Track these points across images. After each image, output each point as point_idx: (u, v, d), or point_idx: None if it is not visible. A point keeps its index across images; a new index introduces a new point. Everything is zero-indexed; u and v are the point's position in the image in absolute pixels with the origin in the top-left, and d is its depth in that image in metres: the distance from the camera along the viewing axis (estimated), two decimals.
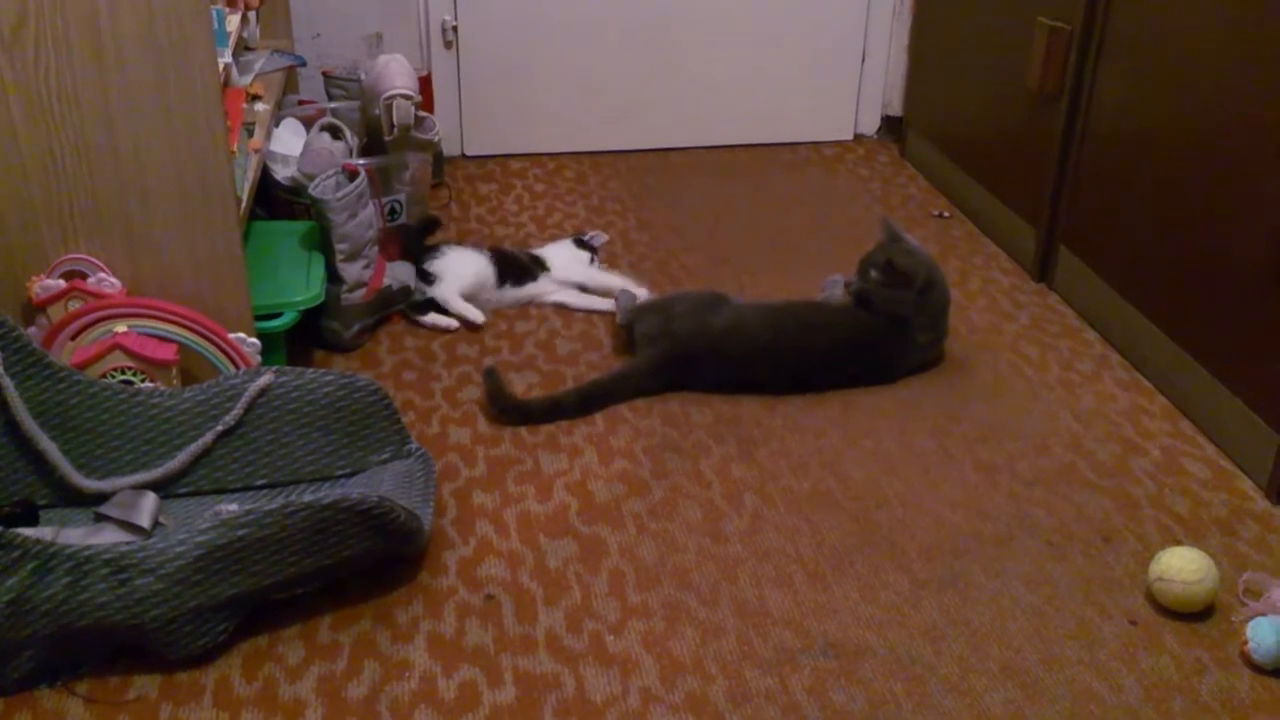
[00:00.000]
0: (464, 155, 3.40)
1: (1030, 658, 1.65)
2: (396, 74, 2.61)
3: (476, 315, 2.43)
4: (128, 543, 1.58)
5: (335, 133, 2.57)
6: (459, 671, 1.61)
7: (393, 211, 2.57)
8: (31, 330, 1.92)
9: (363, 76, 2.82)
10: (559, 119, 3.39)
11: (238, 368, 1.96)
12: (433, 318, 2.45)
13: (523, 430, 2.13)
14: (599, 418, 2.17)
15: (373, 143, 2.66)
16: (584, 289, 2.58)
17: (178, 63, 1.83)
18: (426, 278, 2.47)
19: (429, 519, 1.78)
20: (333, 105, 2.89)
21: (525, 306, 2.56)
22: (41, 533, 1.67)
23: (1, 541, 1.46)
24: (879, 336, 2.27)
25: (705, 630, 1.69)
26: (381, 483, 1.84)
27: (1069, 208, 2.60)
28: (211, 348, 1.96)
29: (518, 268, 2.56)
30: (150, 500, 1.77)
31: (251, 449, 1.86)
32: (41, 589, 1.49)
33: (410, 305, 2.48)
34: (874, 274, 2.26)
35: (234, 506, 1.73)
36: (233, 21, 2.41)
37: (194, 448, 1.83)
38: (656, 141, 3.46)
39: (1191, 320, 2.21)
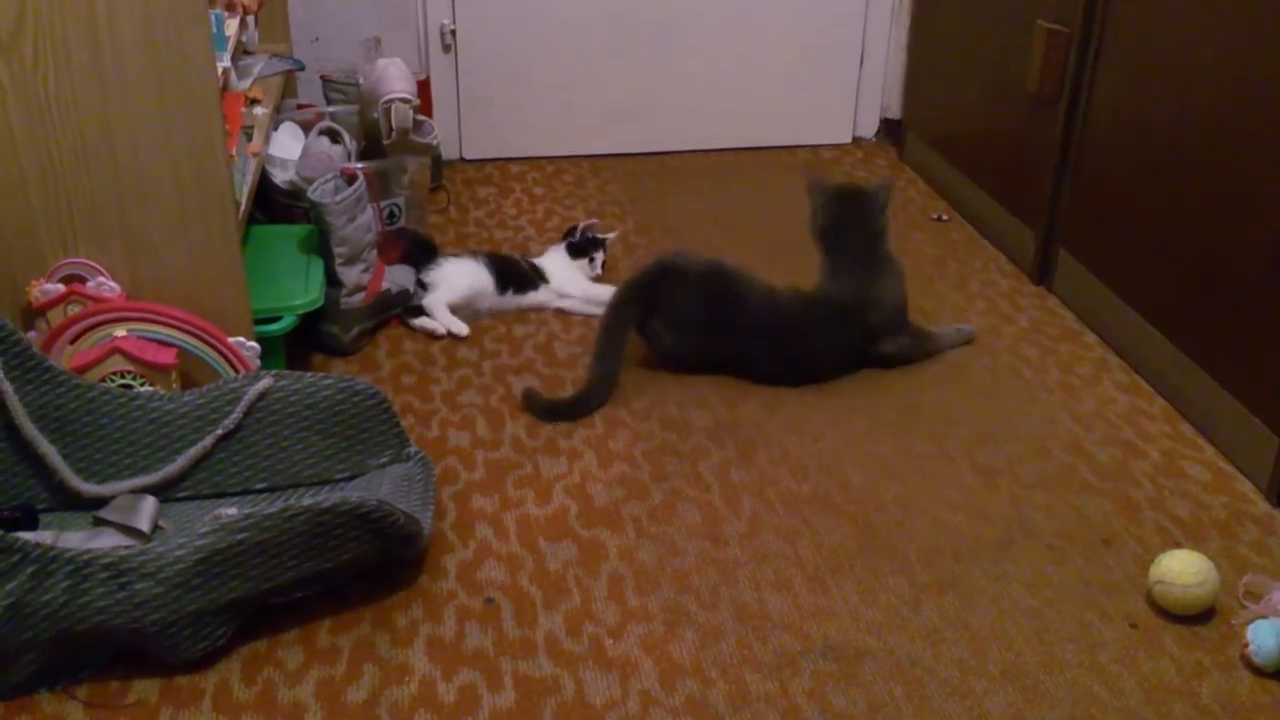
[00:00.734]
0: (462, 159, 3.40)
1: (1030, 661, 1.65)
2: (395, 78, 2.61)
3: (460, 328, 2.45)
4: (127, 547, 1.58)
5: (334, 136, 2.57)
6: (458, 675, 1.61)
7: (391, 215, 2.57)
8: (31, 334, 1.91)
9: (361, 80, 2.83)
10: (557, 123, 3.40)
11: (237, 372, 1.96)
12: (422, 321, 2.46)
13: (522, 434, 2.13)
14: (598, 421, 2.17)
15: (371, 146, 2.66)
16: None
17: (176, 67, 1.83)
18: (422, 285, 2.49)
19: (428, 522, 1.78)
20: (331, 109, 2.89)
21: (524, 311, 2.56)
22: (41, 537, 1.66)
23: (1, 546, 1.46)
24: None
25: (705, 633, 1.69)
26: (381, 486, 1.84)
27: (1068, 210, 2.60)
28: (211, 352, 1.96)
29: (519, 275, 2.56)
30: (149, 504, 1.77)
31: (251, 453, 1.86)
32: (41, 593, 1.49)
33: (405, 309, 2.49)
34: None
35: (233, 510, 1.72)
36: (231, 26, 2.41)
37: (193, 451, 1.83)
38: (655, 145, 3.46)
39: (1191, 322, 2.21)
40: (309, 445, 1.87)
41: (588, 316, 2.54)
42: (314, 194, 2.29)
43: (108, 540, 1.70)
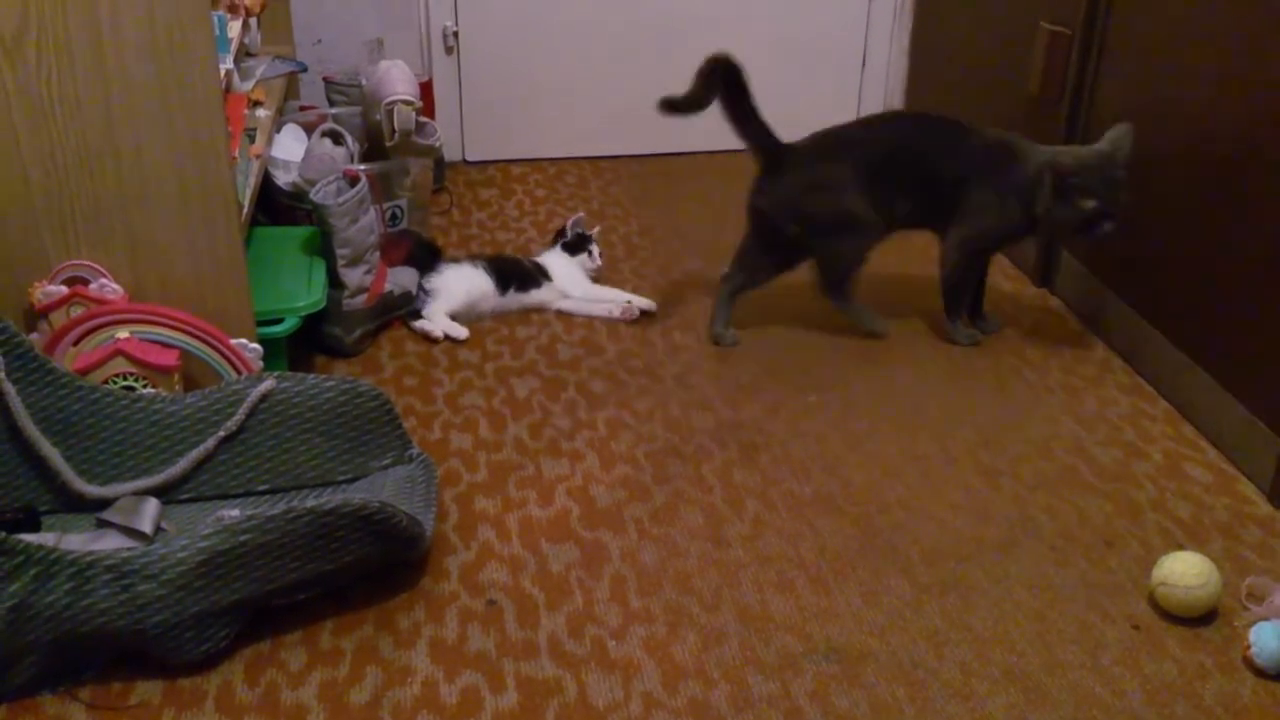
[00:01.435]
0: (465, 160, 3.40)
1: (1032, 662, 1.65)
2: (397, 80, 2.61)
3: (458, 332, 2.45)
4: (130, 548, 1.58)
5: (336, 138, 2.57)
6: (461, 677, 1.61)
7: (394, 217, 2.58)
8: (34, 336, 1.92)
9: (364, 82, 2.83)
10: (560, 124, 3.40)
11: (239, 373, 1.97)
12: (420, 324, 2.47)
13: (524, 435, 2.13)
14: (600, 423, 2.17)
15: (374, 148, 2.67)
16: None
17: (179, 69, 1.83)
18: (425, 291, 2.50)
19: (430, 524, 1.78)
20: (334, 111, 2.89)
21: (526, 312, 2.56)
22: (43, 539, 1.66)
23: (3, 548, 1.46)
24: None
25: (707, 635, 1.69)
26: (383, 488, 1.84)
27: None
28: (213, 353, 1.96)
29: (521, 274, 2.57)
30: (152, 506, 1.77)
31: (253, 455, 1.86)
32: (44, 595, 1.49)
33: (407, 311, 2.50)
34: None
35: (236, 512, 1.72)
36: (234, 27, 2.42)
37: (196, 453, 1.83)
38: (657, 146, 3.46)
39: (1193, 324, 2.21)
40: (311, 447, 1.87)
41: (590, 317, 2.54)
42: (316, 196, 2.29)
43: (110, 542, 1.70)
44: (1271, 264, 1.98)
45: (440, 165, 3.08)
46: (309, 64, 3.10)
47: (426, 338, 2.45)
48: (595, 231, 2.72)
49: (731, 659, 1.64)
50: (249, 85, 2.57)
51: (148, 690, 1.57)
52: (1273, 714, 1.58)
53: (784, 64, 3.42)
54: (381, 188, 2.53)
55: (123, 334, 1.90)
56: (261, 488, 1.87)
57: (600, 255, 2.65)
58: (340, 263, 2.32)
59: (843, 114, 3.58)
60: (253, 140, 2.36)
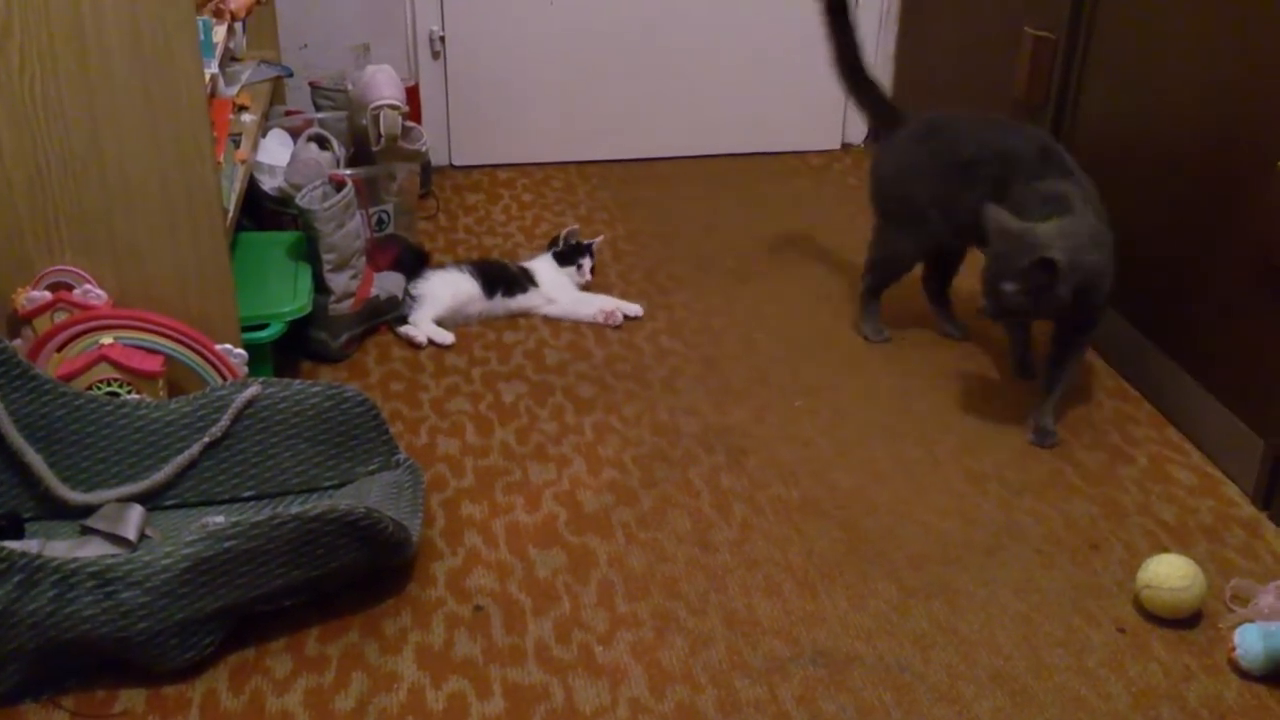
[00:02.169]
0: (451, 165, 3.39)
1: (1019, 665, 1.65)
2: (384, 84, 2.61)
3: (443, 338, 2.45)
4: (114, 555, 1.57)
5: (322, 143, 2.57)
6: (447, 683, 1.60)
7: (380, 222, 2.57)
8: (17, 342, 1.91)
9: (350, 87, 2.82)
10: (547, 129, 3.40)
11: (224, 379, 1.96)
12: (405, 329, 2.46)
13: (511, 440, 2.13)
14: (587, 428, 2.17)
15: (360, 153, 2.66)
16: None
17: (163, 73, 1.82)
18: (411, 297, 2.50)
19: (417, 530, 1.77)
20: (320, 116, 2.88)
21: (513, 317, 2.56)
22: (27, 545, 1.65)
23: None
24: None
25: (694, 640, 1.69)
26: (369, 494, 1.84)
27: None
28: (198, 359, 1.96)
29: (507, 278, 2.56)
30: (136, 513, 1.76)
31: (238, 461, 1.85)
32: (27, 602, 1.48)
33: (393, 317, 2.49)
34: (1010, 287, 2.01)
35: (220, 518, 1.72)
36: (219, 32, 2.41)
37: (180, 460, 1.83)
38: (644, 151, 3.46)
39: (1178, 328, 2.22)
40: (297, 453, 1.86)
41: (576, 321, 2.54)
42: (302, 200, 2.29)
43: (94, 549, 1.69)
44: (1255, 268, 1.99)
45: (427, 170, 3.08)
46: (295, 69, 3.09)
47: (411, 343, 2.44)
48: (599, 241, 2.71)
49: (718, 663, 1.64)
50: (234, 90, 2.57)
51: (132, 698, 1.56)
52: (1257, 716, 1.58)
53: (770, 68, 3.42)
54: (368, 192, 2.52)
55: (107, 340, 1.89)
56: (247, 494, 1.86)
57: (591, 270, 2.64)
58: (326, 268, 2.32)
59: (830, 119, 3.62)
60: (238, 145, 2.35)
